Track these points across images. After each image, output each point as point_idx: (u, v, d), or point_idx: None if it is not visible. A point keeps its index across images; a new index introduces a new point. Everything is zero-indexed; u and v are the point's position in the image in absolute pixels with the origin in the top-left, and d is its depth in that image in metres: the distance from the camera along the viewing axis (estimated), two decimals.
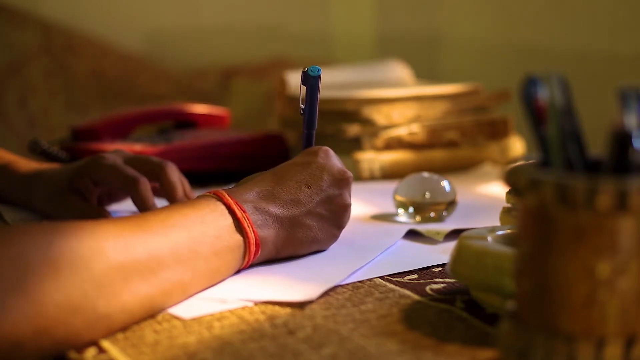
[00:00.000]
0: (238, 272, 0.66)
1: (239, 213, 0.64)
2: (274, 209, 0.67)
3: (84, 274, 0.53)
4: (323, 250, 0.72)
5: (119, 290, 0.55)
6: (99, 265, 0.54)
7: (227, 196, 0.65)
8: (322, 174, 0.70)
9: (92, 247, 0.54)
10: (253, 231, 0.65)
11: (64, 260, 0.52)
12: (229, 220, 0.64)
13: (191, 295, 0.61)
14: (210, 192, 0.66)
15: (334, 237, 0.72)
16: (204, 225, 0.62)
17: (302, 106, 0.74)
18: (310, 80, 0.73)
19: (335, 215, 0.71)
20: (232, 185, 0.70)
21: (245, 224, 0.64)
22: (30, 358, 0.52)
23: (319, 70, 0.72)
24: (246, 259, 0.65)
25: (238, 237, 0.64)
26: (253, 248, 0.65)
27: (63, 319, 0.52)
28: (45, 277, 0.51)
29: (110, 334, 0.55)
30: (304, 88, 0.73)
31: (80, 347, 0.54)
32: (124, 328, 0.56)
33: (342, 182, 0.71)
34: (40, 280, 0.51)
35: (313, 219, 0.69)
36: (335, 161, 0.72)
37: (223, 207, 0.64)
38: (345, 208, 0.71)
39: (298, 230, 0.68)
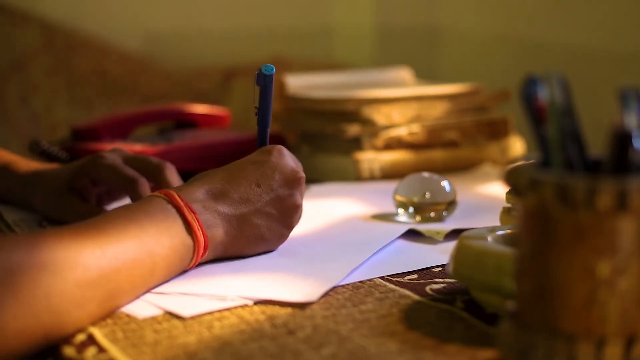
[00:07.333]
0: (185, 271, 0.65)
1: (189, 216, 0.63)
2: (223, 208, 0.67)
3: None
4: (271, 251, 0.71)
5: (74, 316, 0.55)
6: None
7: (177, 197, 0.64)
8: (273, 173, 0.70)
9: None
10: (203, 233, 0.64)
11: (46, 265, 0.53)
12: (179, 223, 0.63)
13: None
14: (160, 192, 0.65)
15: (283, 237, 0.72)
16: (158, 235, 0.61)
17: (257, 105, 0.74)
18: (265, 79, 0.73)
19: (285, 215, 0.70)
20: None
21: (195, 227, 0.64)
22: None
23: (272, 69, 0.73)
24: (193, 261, 0.65)
25: (189, 242, 0.63)
26: (201, 251, 0.64)
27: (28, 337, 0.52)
28: (33, 280, 0.52)
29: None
30: (257, 88, 0.73)
31: None
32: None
33: (294, 182, 0.71)
34: (27, 285, 0.52)
35: (261, 218, 0.69)
36: (288, 160, 0.71)
37: (174, 211, 0.63)
38: (295, 208, 0.71)
39: (246, 228, 0.68)
